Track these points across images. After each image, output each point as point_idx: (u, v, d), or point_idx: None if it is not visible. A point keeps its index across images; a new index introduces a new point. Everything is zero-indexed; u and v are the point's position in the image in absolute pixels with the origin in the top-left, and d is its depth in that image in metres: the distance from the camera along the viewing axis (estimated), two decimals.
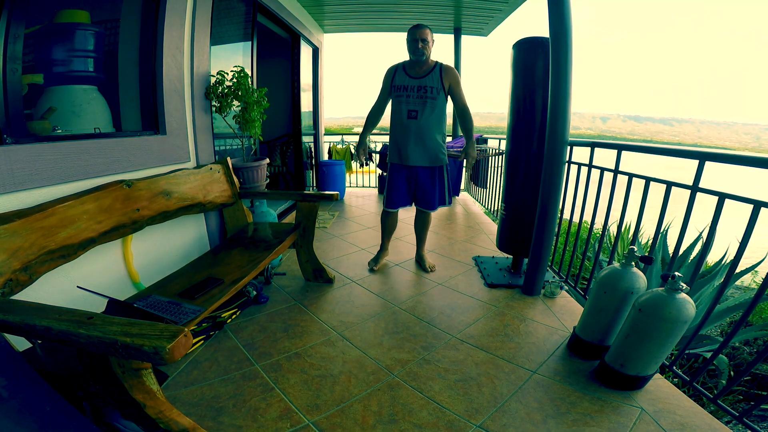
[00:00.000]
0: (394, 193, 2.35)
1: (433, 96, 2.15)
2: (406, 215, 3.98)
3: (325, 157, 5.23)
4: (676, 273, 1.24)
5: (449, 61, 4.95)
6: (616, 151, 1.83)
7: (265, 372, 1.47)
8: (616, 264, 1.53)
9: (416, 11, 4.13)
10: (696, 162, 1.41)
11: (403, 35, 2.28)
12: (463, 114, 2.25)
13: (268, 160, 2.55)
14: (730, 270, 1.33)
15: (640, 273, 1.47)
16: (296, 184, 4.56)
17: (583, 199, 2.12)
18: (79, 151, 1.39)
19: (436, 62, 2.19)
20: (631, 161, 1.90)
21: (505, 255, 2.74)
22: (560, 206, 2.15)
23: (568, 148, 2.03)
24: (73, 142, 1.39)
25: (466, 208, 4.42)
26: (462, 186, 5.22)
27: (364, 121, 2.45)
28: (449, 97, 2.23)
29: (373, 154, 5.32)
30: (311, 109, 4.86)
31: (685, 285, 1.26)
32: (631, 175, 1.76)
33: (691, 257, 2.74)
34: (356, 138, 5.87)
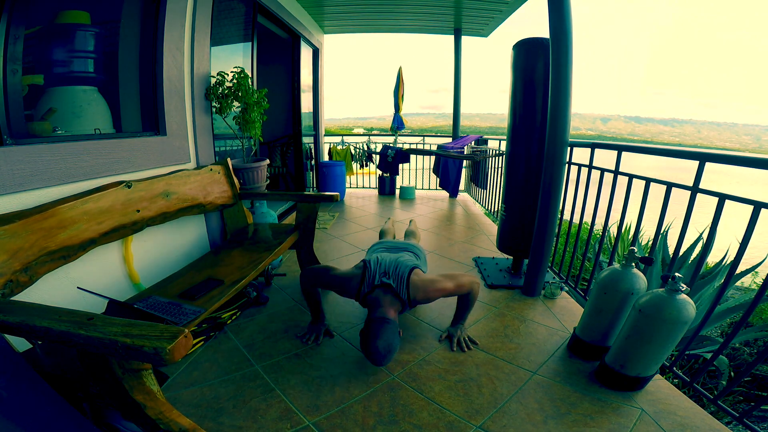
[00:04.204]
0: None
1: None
2: (404, 217, 3.98)
3: (326, 157, 5.23)
4: (677, 274, 1.24)
5: (449, 63, 4.96)
6: (616, 152, 1.83)
7: (265, 373, 1.47)
8: (616, 265, 1.53)
9: (416, 12, 4.13)
10: (696, 163, 1.41)
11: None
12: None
13: (268, 161, 2.55)
14: (731, 271, 1.33)
15: (641, 274, 1.47)
16: (296, 185, 4.56)
17: (584, 200, 2.12)
18: (79, 152, 1.39)
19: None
20: (631, 162, 1.90)
21: (506, 256, 2.74)
22: (560, 207, 2.15)
23: (569, 148, 2.03)
24: (74, 143, 1.39)
25: (466, 209, 4.42)
26: (462, 187, 5.22)
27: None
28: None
29: (373, 155, 5.32)
30: (311, 109, 4.86)
31: (685, 286, 1.26)
32: (631, 176, 1.76)
33: (692, 258, 2.74)
34: (357, 139, 5.89)
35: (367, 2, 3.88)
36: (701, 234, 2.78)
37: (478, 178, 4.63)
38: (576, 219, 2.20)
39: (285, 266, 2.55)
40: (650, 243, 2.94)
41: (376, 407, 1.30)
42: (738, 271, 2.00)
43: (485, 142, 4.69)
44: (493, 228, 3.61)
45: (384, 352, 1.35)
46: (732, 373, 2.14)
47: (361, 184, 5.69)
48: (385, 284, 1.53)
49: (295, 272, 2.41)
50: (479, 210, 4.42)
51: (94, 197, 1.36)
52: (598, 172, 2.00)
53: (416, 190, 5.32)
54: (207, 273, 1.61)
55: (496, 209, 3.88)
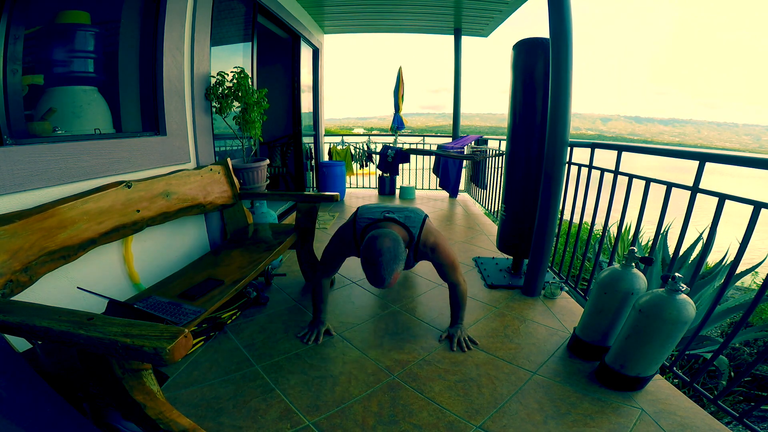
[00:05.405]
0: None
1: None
2: None
3: (326, 157, 5.23)
4: (677, 274, 1.24)
5: (449, 63, 4.96)
6: (616, 152, 1.83)
7: (265, 373, 1.47)
8: (616, 265, 1.53)
9: (416, 12, 4.13)
10: (696, 163, 1.41)
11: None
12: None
13: (268, 161, 2.55)
14: (731, 271, 1.33)
15: (641, 274, 1.47)
16: (296, 185, 4.56)
17: (584, 200, 2.12)
18: (79, 152, 1.39)
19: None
20: (631, 162, 1.90)
21: (506, 256, 2.74)
22: (560, 207, 2.15)
23: (569, 148, 2.03)
24: (74, 143, 1.39)
25: (466, 209, 4.42)
26: (462, 187, 5.22)
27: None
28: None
29: (373, 155, 5.32)
30: (311, 109, 4.86)
31: (685, 286, 1.26)
32: (631, 176, 1.76)
33: (692, 258, 2.74)
34: (357, 139, 5.89)
35: (367, 2, 3.88)
36: (701, 234, 2.78)
37: (478, 178, 4.63)
38: (576, 219, 2.20)
39: (285, 266, 2.55)
40: (650, 243, 2.94)
41: (376, 407, 1.30)
42: (738, 271, 2.00)
43: (485, 142, 4.69)
44: (493, 228, 3.61)
45: (389, 256, 1.21)
46: (732, 373, 2.14)
47: (361, 184, 5.69)
48: (389, 219, 1.43)
49: (296, 272, 2.41)
50: (479, 210, 4.42)
51: (94, 197, 1.36)
52: (598, 172, 2.00)
53: (416, 190, 5.32)
54: (207, 273, 1.61)
55: (496, 209, 3.88)
